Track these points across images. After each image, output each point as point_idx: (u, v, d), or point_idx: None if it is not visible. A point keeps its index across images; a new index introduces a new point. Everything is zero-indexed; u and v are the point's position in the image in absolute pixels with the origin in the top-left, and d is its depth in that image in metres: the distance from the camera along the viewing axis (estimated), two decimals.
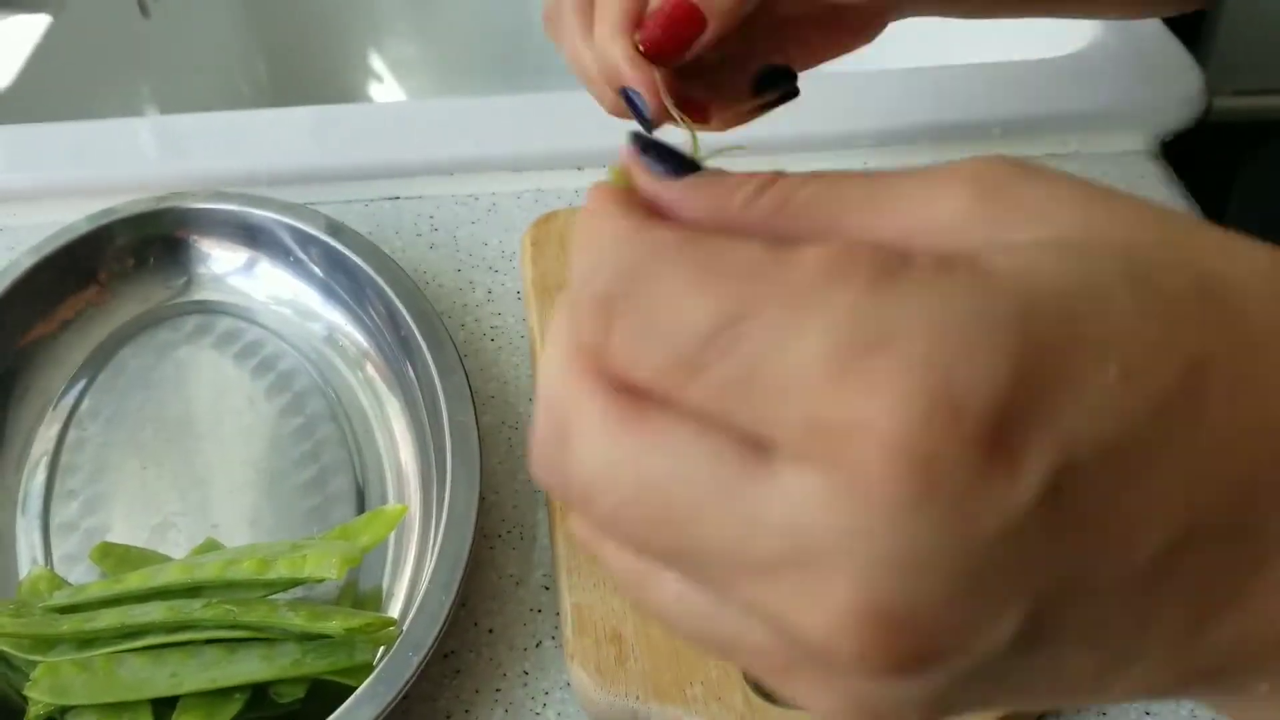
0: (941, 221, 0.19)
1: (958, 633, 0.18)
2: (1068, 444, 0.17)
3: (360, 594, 0.42)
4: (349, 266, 0.49)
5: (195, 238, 0.52)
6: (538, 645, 0.41)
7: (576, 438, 0.19)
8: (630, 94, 0.35)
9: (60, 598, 0.39)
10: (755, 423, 0.17)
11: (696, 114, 0.36)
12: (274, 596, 0.39)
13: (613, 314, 0.19)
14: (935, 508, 0.16)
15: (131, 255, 0.51)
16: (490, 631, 0.41)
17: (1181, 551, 0.18)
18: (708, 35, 0.34)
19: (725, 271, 0.18)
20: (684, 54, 0.35)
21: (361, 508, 0.45)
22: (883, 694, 0.18)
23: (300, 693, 0.38)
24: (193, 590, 0.39)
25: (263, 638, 0.38)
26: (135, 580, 0.39)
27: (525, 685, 0.40)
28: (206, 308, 0.52)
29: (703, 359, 0.18)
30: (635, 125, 0.35)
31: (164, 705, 0.37)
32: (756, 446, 0.17)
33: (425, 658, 0.36)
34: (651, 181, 0.21)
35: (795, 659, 0.19)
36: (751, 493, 0.17)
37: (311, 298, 0.51)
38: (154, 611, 0.38)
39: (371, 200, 0.58)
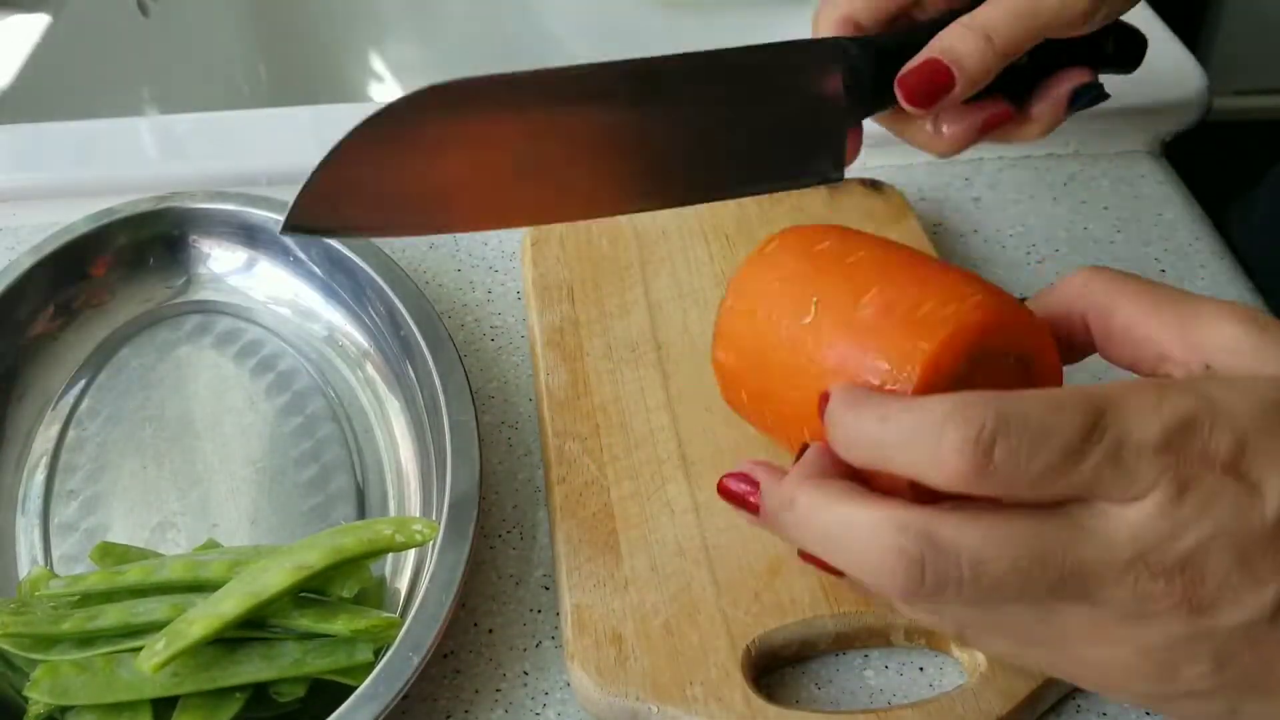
0: (1224, 344, 0.31)
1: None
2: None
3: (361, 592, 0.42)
4: (349, 266, 0.49)
5: (195, 238, 0.52)
6: (538, 645, 0.41)
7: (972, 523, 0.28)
8: None
9: (57, 586, 0.39)
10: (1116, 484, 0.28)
11: (1008, 119, 0.43)
12: None
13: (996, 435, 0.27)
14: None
15: (131, 255, 0.51)
16: (490, 632, 0.41)
17: None
18: (956, 92, 0.40)
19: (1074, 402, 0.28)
20: (935, 105, 0.41)
21: (361, 507, 0.45)
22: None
23: (300, 692, 0.38)
24: (195, 588, 0.39)
25: (263, 637, 0.38)
26: (136, 574, 0.39)
27: (525, 685, 0.40)
28: (206, 307, 0.52)
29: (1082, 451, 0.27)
30: None
31: (164, 705, 0.37)
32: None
33: (425, 658, 0.36)
34: None
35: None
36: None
37: (311, 298, 0.51)
38: (157, 610, 0.38)
39: None
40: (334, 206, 0.35)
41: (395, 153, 0.36)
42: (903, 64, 0.40)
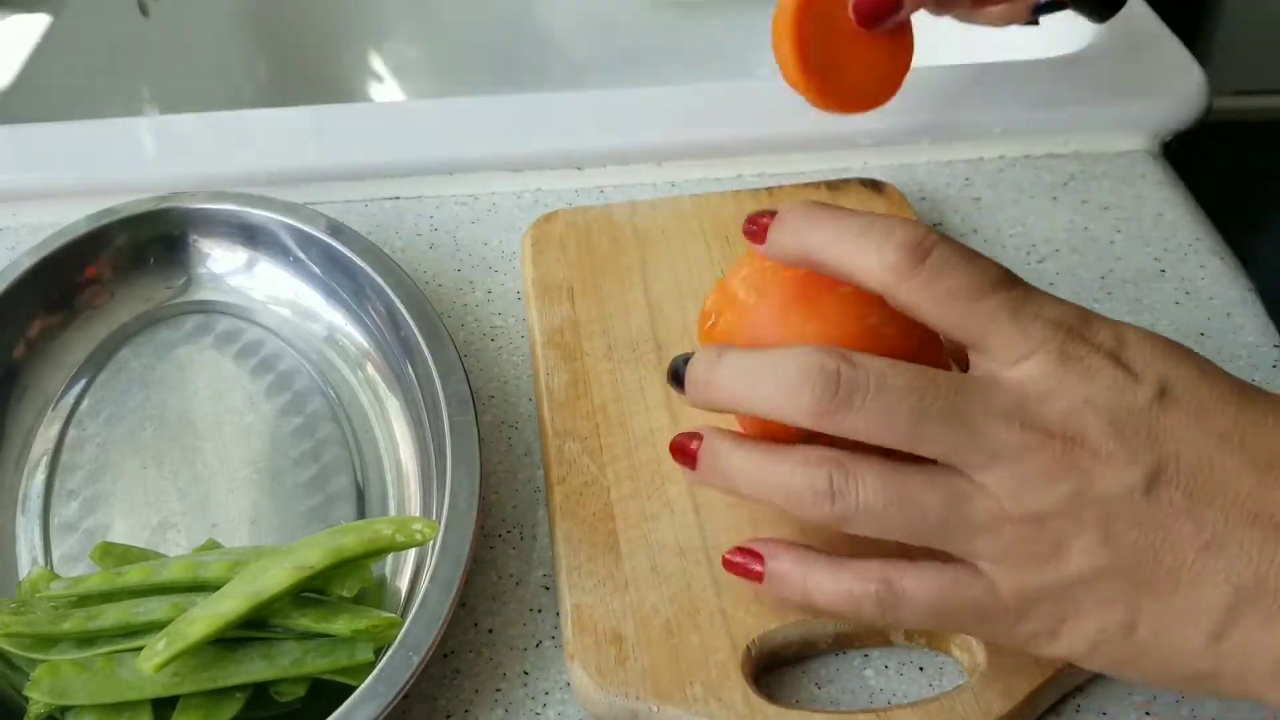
0: None
1: None
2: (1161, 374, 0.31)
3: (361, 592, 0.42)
4: (349, 266, 0.49)
5: (195, 238, 0.52)
6: (538, 645, 0.41)
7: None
8: None
9: (58, 588, 0.39)
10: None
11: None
12: None
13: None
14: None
15: (131, 255, 0.51)
16: (490, 631, 0.41)
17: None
18: (903, 14, 0.48)
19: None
20: (885, 22, 0.48)
21: (361, 507, 0.45)
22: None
23: (301, 692, 0.38)
24: (195, 588, 0.39)
25: (263, 637, 0.38)
26: (136, 575, 0.39)
27: (525, 685, 0.40)
28: (206, 307, 0.52)
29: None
30: None
31: (164, 705, 0.37)
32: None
33: (425, 658, 0.36)
34: None
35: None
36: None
37: (311, 298, 0.51)
38: (157, 610, 0.38)
39: (371, 200, 0.58)
40: None
41: None
42: None
